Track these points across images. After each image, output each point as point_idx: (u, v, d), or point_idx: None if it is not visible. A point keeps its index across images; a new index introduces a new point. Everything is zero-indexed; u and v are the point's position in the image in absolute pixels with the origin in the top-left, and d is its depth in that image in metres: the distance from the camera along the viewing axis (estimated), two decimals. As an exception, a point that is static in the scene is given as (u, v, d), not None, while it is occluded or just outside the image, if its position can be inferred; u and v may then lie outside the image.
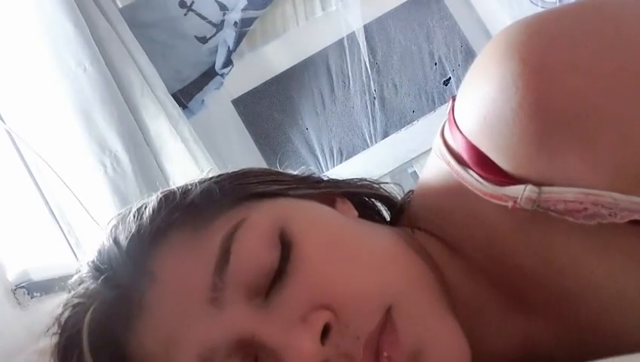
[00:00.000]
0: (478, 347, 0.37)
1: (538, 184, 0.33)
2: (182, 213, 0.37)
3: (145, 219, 0.38)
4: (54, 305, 0.41)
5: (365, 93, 1.51)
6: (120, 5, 1.40)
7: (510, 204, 0.34)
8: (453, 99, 0.39)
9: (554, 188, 0.33)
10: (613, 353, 0.33)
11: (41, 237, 0.91)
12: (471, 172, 0.36)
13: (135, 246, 0.37)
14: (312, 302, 0.34)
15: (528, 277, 0.36)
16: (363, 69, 1.51)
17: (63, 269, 0.78)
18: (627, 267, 0.33)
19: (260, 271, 0.35)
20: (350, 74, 1.52)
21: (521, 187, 0.34)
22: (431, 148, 0.42)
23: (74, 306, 0.39)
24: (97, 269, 0.38)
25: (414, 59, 1.52)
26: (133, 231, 0.38)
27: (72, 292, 0.40)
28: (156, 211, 0.38)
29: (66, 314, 0.39)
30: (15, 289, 0.70)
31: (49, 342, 0.40)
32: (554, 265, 0.35)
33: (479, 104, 0.35)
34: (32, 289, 0.71)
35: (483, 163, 0.36)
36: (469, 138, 0.36)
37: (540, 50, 0.32)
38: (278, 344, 0.33)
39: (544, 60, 0.32)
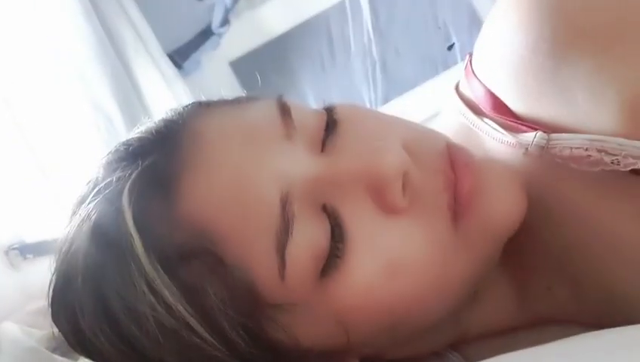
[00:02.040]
0: (476, 311, 0.38)
1: (550, 129, 0.34)
2: None
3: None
4: (47, 267, 0.37)
5: (366, 57, 1.47)
6: (113, -40, 1.34)
7: (522, 151, 0.34)
8: (470, 55, 0.40)
9: (562, 135, 0.33)
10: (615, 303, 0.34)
11: (34, 198, 0.89)
12: (487, 120, 0.37)
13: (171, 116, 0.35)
14: (375, 140, 0.33)
15: (531, 227, 0.36)
16: (365, 32, 1.47)
17: (56, 231, 0.77)
18: (628, 214, 0.33)
19: (317, 124, 0.33)
20: (352, 37, 1.48)
21: (532, 134, 0.34)
22: (433, 115, 0.42)
23: (104, 187, 0.31)
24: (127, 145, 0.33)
25: (418, 22, 1.48)
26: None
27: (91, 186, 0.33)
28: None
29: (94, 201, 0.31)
30: (8, 251, 0.69)
31: (42, 303, 0.37)
32: (556, 212, 0.35)
33: (497, 49, 0.36)
34: (25, 251, 0.70)
35: (499, 108, 0.36)
36: (486, 84, 0.37)
37: None
38: (358, 168, 0.31)
39: (558, 3, 0.32)
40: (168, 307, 0.29)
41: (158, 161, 0.31)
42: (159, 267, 0.29)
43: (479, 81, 0.38)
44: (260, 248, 0.29)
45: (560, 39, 0.32)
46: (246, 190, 0.30)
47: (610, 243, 0.34)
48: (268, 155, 0.31)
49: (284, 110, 0.33)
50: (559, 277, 0.37)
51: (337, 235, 0.30)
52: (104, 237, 0.30)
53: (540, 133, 0.34)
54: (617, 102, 0.31)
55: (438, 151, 0.35)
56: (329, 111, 0.35)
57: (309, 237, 0.30)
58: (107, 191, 0.31)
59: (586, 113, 0.33)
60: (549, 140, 0.33)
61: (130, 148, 0.33)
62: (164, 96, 1.23)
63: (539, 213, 0.35)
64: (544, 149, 0.34)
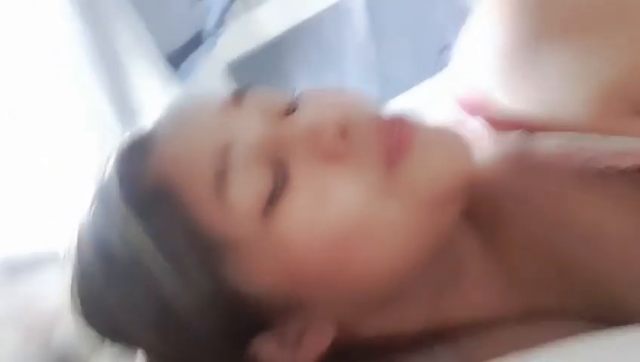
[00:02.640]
0: (465, 299, 0.39)
1: (531, 124, 0.35)
2: None
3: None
4: (35, 282, 0.42)
5: (361, 59, 1.48)
6: (109, -39, 1.34)
7: (505, 149, 0.37)
8: (444, 50, 0.41)
9: (541, 133, 0.35)
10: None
11: (24, 213, 0.89)
12: (473, 118, 0.39)
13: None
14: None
15: (515, 218, 0.38)
16: (359, 34, 1.48)
17: (45, 246, 0.77)
18: (609, 208, 0.35)
19: (275, 99, 0.39)
20: (346, 39, 1.48)
21: (513, 133, 0.36)
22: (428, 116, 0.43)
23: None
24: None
25: (413, 25, 1.48)
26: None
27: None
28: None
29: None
30: None
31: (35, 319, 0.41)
32: (539, 206, 0.37)
33: (483, 45, 0.38)
34: (14, 267, 0.70)
35: (485, 105, 0.37)
36: (474, 81, 0.38)
37: None
38: (303, 127, 0.37)
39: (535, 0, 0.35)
40: (137, 248, 0.36)
41: (141, 133, 0.39)
42: (132, 208, 0.36)
43: (465, 77, 0.40)
44: (203, 191, 0.35)
45: (538, 33, 0.34)
46: (193, 146, 0.36)
47: (592, 236, 0.36)
48: (214, 119, 0.37)
49: (239, 90, 0.40)
50: (547, 266, 0.38)
51: (280, 178, 0.35)
52: (99, 199, 0.39)
53: (521, 134, 0.36)
54: (586, 93, 0.33)
55: (379, 115, 0.38)
56: (293, 95, 0.39)
57: (248, 180, 0.35)
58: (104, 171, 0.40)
59: (563, 105, 0.34)
60: (530, 140, 0.35)
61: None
62: (161, 98, 1.24)
63: (522, 207, 0.37)
64: (526, 149, 0.35)
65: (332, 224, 0.34)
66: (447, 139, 0.37)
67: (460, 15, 0.39)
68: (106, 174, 0.38)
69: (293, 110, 0.38)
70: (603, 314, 0.37)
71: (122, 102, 1.15)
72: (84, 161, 0.99)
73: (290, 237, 0.35)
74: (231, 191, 0.35)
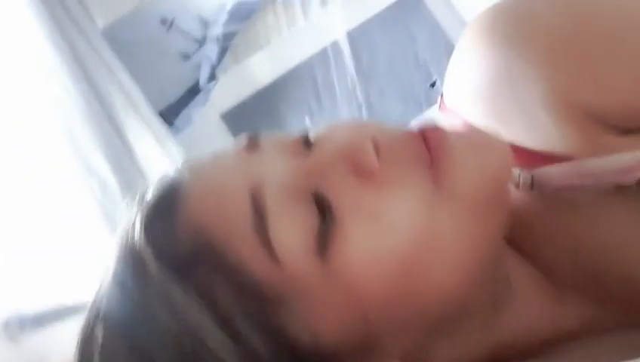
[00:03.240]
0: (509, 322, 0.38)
1: (526, 153, 0.35)
2: None
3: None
4: (46, 338, 0.38)
5: (352, 101, 1.50)
6: (101, 26, 1.39)
7: (513, 185, 0.36)
8: (432, 87, 0.42)
9: (542, 169, 0.35)
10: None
11: (31, 269, 0.89)
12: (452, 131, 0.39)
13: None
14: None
15: (554, 251, 0.38)
16: (349, 75, 1.51)
17: (53, 302, 0.77)
18: (624, 222, 0.35)
19: (289, 138, 0.36)
20: (336, 81, 1.52)
21: (516, 171, 0.36)
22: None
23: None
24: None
25: (399, 63, 1.52)
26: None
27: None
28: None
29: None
30: (6, 324, 0.69)
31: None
32: (568, 235, 0.37)
33: (466, 82, 0.38)
34: (23, 323, 0.70)
35: None
36: (463, 116, 0.38)
37: (501, 23, 0.36)
38: (333, 153, 0.34)
39: (506, 30, 0.36)
40: (184, 317, 0.31)
41: (163, 193, 0.35)
42: (171, 277, 0.31)
43: (454, 113, 0.39)
44: (245, 243, 0.31)
45: (516, 67, 0.35)
46: (222, 199, 0.33)
47: (615, 251, 0.36)
48: (235, 167, 0.34)
49: (252, 136, 0.36)
50: (585, 281, 0.38)
51: (323, 211, 0.32)
52: (123, 270, 0.33)
53: (522, 174, 0.36)
54: (561, 118, 0.34)
55: (405, 128, 0.36)
56: (307, 135, 0.37)
57: (290, 221, 0.31)
58: (122, 237, 0.35)
59: (546, 132, 0.35)
60: (533, 178, 0.35)
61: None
62: (157, 154, 1.25)
63: (548, 229, 0.37)
64: (532, 186, 0.36)
65: (397, 249, 0.31)
66: (482, 140, 0.35)
67: (444, 52, 0.41)
68: (134, 242, 0.33)
69: (310, 144, 0.36)
70: None
71: (118, 160, 1.16)
72: (83, 218, 1.00)
73: (356, 272, 0.31)
74: (275, 235, 0.31)
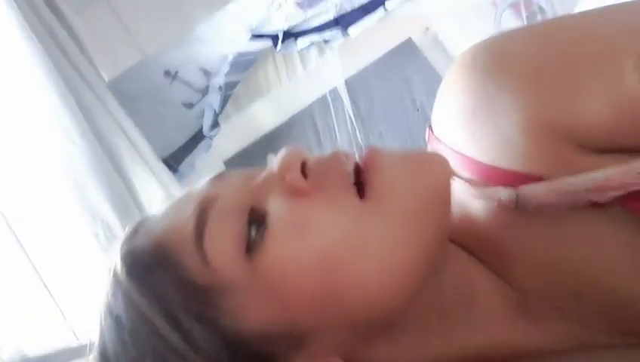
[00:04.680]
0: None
1: (509, 175, 0.38)
2: None
3: None
4: None
5: (353, 144, 1.53)
6: (106, 79, 1.43)
7: (495, 203, 0.39)
8: (430, 125, 0.45)
9: (525, 187, 0.37)
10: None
11: (35, 312, 0.89)
12: (458, 179, 0.41)
13: None
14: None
15: (532, 269, 0.39)
16: (348, 121, 1.54)
17: (58, 344, 0.76)
18: (603, 240, 0.37)
19: (252, 170, 0.42)
20: (336, 127, 1.55)
21: (501, 190, 0.38)
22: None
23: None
24: None
25: (397, 107, 1.55)
26: None
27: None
28: None
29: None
30: (10, 366, 0.68)
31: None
32: (547, 253, 0.38)
33: (451, 112, 0.41)
34: (28, 365, 0.69)
35: (467, 162, 0.40)
36: (449, 144, 0.41)
37: (480, 58, 0.39)
38: (268, 173, 0.39)
39: (484, 65, 0.39)
40: (138, 310, 0.37)
41: (142, 221, 0.42)
42: (132, 279, 0.38)
43: (444, 144, 0.42)
44: (186, 249, 0.37)
45: (494, 97, 0.38)
46: (178, 213, 0.40)
47: (593, 257, 0.37)
48: (196, 191, 0.41)
49: (223, 170, 0.44)
50: (560, 291, 0.39)
51: (255, 220, 0.37)
52: (110, 284, 0.40)
53: (509, 190, 0.38)
54: (532, 140, 0.37)
55: (337, 152, 0.41)
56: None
57: (223, 229, 0.37)
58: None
59: (527, 156, 0.37)
60: (517, 195, 0.37)
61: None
62: (162, 200, 1.26)
63: (524, 244, 0.39)
64: (516, 203, 0.37)
65: (315, 251, 0.36)
66: (416, 156, 0.39)
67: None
68: (114, 265, 0.41)
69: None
70: (624, 327, 0.37)
71: (123, 206, 1.17)
72: (87, 263, 1.00)
73: (278, 271, 0.36)
74: (207, 241, 0.37)
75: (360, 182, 0.38)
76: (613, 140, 0.36)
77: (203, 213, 0.38)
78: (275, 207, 0.38)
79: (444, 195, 0.38)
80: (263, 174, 0.40)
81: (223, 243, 0.37)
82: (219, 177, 0.42)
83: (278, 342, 0.37)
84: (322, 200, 0.37)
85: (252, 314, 0.37)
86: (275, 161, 0.40)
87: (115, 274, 0.40)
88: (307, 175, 0.38)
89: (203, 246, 0.37)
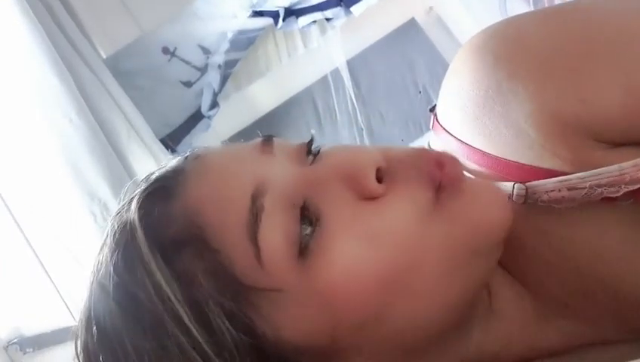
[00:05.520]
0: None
1: (517, 168, 0.36)
2: None
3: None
4: (47, 360, 0.38)
5: (353, 126, 1.52)
6: (104, 56, 1.41)
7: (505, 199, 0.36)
8: (431, 111, 0.43)
9: (535, 182, 0.35)
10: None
11: (32, 292, 0.89)
12: (464, 172, 0.39)
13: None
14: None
15: (532, 256, 0.38)
16: (349, 102, 1.53)
17: (55, 323, 0.76)
18: (613, 235, 0.36)
19: (298, 147, 0.38)
20: (337, 108, 1.53)
21: (510, 184, 0.36)
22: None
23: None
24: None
25: (399, 88, 1.53)
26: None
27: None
28: None
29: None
30: (7, 346, 0.68)
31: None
32: (557, 250, 0.37)
33: (458, 101, 0.39)
34: (25, 345, 0.69)
35: (473, 154, 0.38)
36: (454, 133, 0.39)
37: (491, 45, 0.37)
38: (335, 167, 0.35)
39: (495, 52, 0.37)
40: (159, 291, 0.32)
41: (165, 176, 0.37)
42: (157, 254, 0.33)
43: (448, 132, 0.40)
44: (235, 236, 0.33)
45: (505, 87, 0.36)
46: (226, 189, 0.34)
47: (604, 257, 0.36)
48: (246, 163, 0.36)
49: (267, 138, 0.38)
50: (573, 292, 0.38)
51: (308, 217, 0.33)
52: (117, 241, 0.35)
53: (517, 185, 0.36)
54: (545, 132, 0.35)
55: (420, 149, 0.38)
56: (311, 142, 0.39)
57: (278, 225, 0.33)
58: (121, 210, 0.37)
59: (539, 150, 0.36)
60: (527, 189, 0.36)
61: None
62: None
63: (536, 243, 0.38)
64: (526, 197, 0.36)
65: (381, 259, 0.32)
66: (493, 190, 0.36)
67: (442, 77, 0.41)
68: (128, 219, 0.35)
69: (312, 153, 0.38)
70: (635, 326, 0.36)
71: (121, 186, 1.16)
72: (84, 243, 1.00)
73: (333, 282, 0.32)
74: (263, 234, 0.32)
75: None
76: (629, 132, 0.34)
77: (258, 197, 0.33)
78: (336, 209, 0.34)
79: (502, 236, 0.36)
80: (323, 165, 0.35)
81: (279, 241, 0.32)
82: (268, 148, 0.36)
83: (311, 355, 0.34)
84: (394, 203, 0.34)
85: (294, 323, 0.33)
86: (341, 155, 0.36)
87: (131, 237, 0.33)
88: (383, 178, 0.35)
89: (258, 240, 0.32)
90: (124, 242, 0.34)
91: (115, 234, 0.35)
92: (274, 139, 0.38)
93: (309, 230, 0.33)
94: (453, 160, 0.36)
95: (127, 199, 0.37)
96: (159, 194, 0.35)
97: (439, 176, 0.35)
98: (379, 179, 0.34)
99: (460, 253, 0.34)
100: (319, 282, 0.32)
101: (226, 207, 0.33)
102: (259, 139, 0.38)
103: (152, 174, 0.38)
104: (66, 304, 0.92)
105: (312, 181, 0.35)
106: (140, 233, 0.33)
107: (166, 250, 0.33)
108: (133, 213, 0.34)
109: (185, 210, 0.34)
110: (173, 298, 0.32)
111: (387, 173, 0.35)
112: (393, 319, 0.33)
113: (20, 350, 0.69)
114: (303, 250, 0.32)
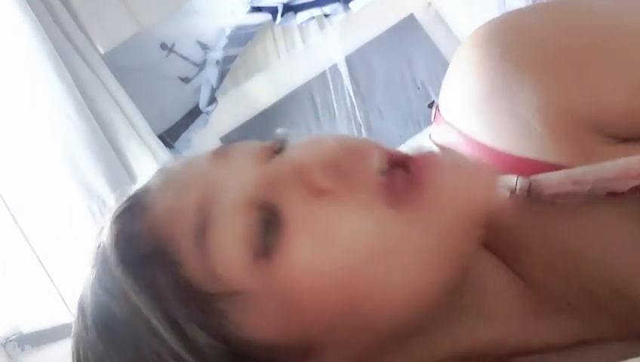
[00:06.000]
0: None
1: (521, 162, 0.36)
2: None
3: None
4: (45, 357, 0.39)
5: (351, 122, 1.52)
6: (102, 51, 1.40)
7: (508, 193, 0.36)
8: (430, 107, 0.43)
9: (539, 176, 0.35)
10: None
11: (30, 288, 0.89)
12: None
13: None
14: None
15: (532, 249, 0.38)
16: (347, 98, 1.53)
17: (53, 320, 0.76)
18: (617, 230, 0.35)
19: (258, 145, 0.37)
20: (335, 104, 1.53)
21: (513, 177, 0.36)
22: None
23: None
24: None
25: (397, 84, 1.53)
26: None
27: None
28: None
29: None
30: (5, 343, 0.68)
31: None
32: (560, 246, 0.37)
33: (463, 94, 0.38)
34: (23, 342, 0.69)
35: (476, 148, 0.38)
36: (456, 126, 0.39)
37: (497, 37, 0.37)
38: (288, 166, 0.34)
39: (502, 44, 0.37)
40: (132, 306, 0.33)
41: (134, 194, 0.38)
42: (128, 272, 0.34)
43: (450, 125, 0.40)
44: (187, 247, 0.33)
45: (512, 80, 0.36)
46: (177, 200, 0.35)
47: (606, 254, 0.36)
48: (198, 171, 0.36)
49: (223, 145, 0.38)
50: (572, 289, 0.38)
51: (268, 221, 0.33)
52: (94, 260, 0.36)
53: (521, 178, 0.36)
54: (552, 126, 0.35)
55: (376, 147, 0.36)
56: (277, 138, 0.38)
57: (229, 229, 0.33)
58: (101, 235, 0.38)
59: (545, 144, 0.35)
60: (531, 183, 0.35)
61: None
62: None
63: (538, 237, 0.37)
64: (529, 191, 0.36)
65: (341, 264, 0.32)
66: (467, 167, 0.35)
67: (441, 73, 0.41)
68: (102, 240, 0.36)
69: (280, 152, 0.37)
70: (636, 326, 0.36)
71: (119, 182, 1.16)
72: (82, 239, 1.00)
73: (295, 282, 0.32)
74: (211, 241, 0.32)
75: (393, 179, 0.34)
76: (635, 127, 0.34)
77: (206, 204, 0.33)
78: (294, 206, 0.33)
79: (482, 218, 0.35)
80: (279, 165, 0.35)
81: (231, 245, 0.32)
82: (224, 154, 0.36)
83: (286, 353, 0.34)
84: (348, 201, 0.33)
85: (261, 324, 0.33)
86: (293, 151, 0.35)
87: (104, 257, 0.35)
88: (336, 171, 0.34)
89: (205, 248, 0.32)
90: (99, 262, 0.36)
91: (93, 254, 0.37)
92: (233, 144, 0.38)
93: (268, 229, 0.32)
94: (425, 153, 0.35)
95: (106, 218, 0.38)
96: (128, 212, 0.36)
97: (390, 160, 0.34)
98: (334, 172, 0.33)
99: (435, 243, 0.33)
100: (280, 282, 0.32)
101: (178, 218, 0.34)
102: (215, 147, 0.38)
103: (129, 192, 0.39)
104: (64, 301, 0.92)
105: (269, 179, 0.34)
106: (110, 253, 0.35)
107: (134, 266, 0.34)
108: (106, 234, 0.36)
109: (149, 225, 0.34)
110: (145, 312, 0.33)
111: (339, 165, 0.34)
112: (364, 313, 0.33)
113: (18, 347, 0.70)
114: (263, 250, 0.32)
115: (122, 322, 0.34)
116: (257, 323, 0.33)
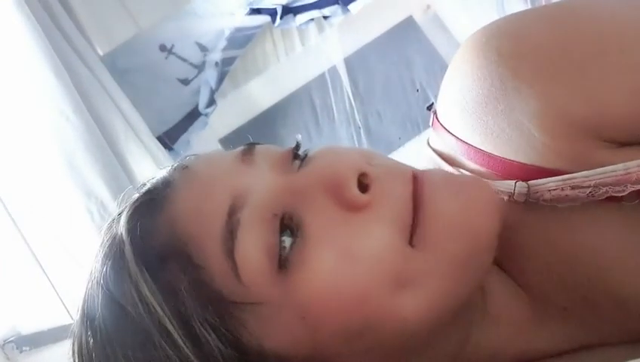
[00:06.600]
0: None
1: (519, 167, 0.36)
2: None
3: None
4: (44, 358, 0.38)
5: (350, 124, 1.52)
6: (101, 53, 1.40)
7: (505, 198, 0.36)
8: (429, 109, 0.43)
9: (538, 180, 0.35)
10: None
11: (29, 290, 0.89)
12: (464, 171, 0.39)
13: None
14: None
15: (531, 256, 0.38)
16: (346, 100, 1.53)
17: (51, 322, 0.76)
18: (615, 234, 0.35)
19: (282, 153, 0.37)
20: (334, 106, 1.53)
21: (511, 182, 0.36)
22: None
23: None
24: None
25: (396, 87, 1.54)
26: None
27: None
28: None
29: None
30: (4, 345, 0.68)
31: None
32: (558, 251, 0.37)
33: (460, 99, 0.38)
34: (21, 344, 0.69)
35: (473, 154, 0.38)
36: (454, 132, 0.39)
37: (494, 42, 0.37)
38: (316, 176, 0.34)
39: (499, 49, 0.36)
40: (146, 305, 0.33)
41: (153, 189, 0.37)
42: (143, 269, 0.33)
43: (448, 131, 0.40)
44: (213, 252, 0.33)
45: (509, 85, 0.35)
46: (205, 202, 0.34)
47: (605, 261, 0.36)
48: (226, 175, 0.35)
49: (248, 147, 0.38)
50: (572, 295, 0.38)
51: (292, 230, 0.33)
52: (106, 253, 0.36)
53: (519, 183, 0.36)
54: (551, 133, 0.35)
55: (402, 170, 0.36)
56: (298, 147, 0.38)
57: (256, 238, 0.33)
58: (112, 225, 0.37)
59: (543, 150, 0.35)
60: (529, 187, 0.35)
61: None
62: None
63: (536, 243, 0.37)
64: (527, 196, 0.36)
65: (362, 282, 0.32)
66: (470, 195, 0.35)
67: (440, 75, 0.41)
68: (117, 232, 0.35)
69: (299, 158, 0.37)
70: (634, 333, 0.36)
71: (118, 184, 1.16)
72: (81, 241, 0.99)
73: (314, 297, 0.32)
74: (239, 249, 0.32)
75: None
76: (634, 132, 0.34)
77: (235, 211, 0.33)
78: (320, 217, 0.33)
79: (493, 241, 0.35)
80: (307, 176, 0.35)
81: (256, 255, 0.32)
82: (248, 158, 0.36)
83: None
84: (376, 218, 0.33)
85: (277, 334, 0.33)
86: (325, 162, 0.35)
87: (119, 249, 0.34)
88: (368, 186, 0.34)
89: (234, 256, 0.32)
90: (113, 255, 0.35)
91: (105, 246, 0.36)
92: (256, 147, 0.38)
93: (289, 241, 0.33)
94: (426, 175, 0.35)
95: (120, 208, 0.37)
96: (147, 206, 0.35)
97: (411, 205, 0.34)
98: (365, 187, 0.34)
99: (447, 270, 0.34)
100: (298, 294, 0.32)
101: (205, 221, 0.33)
102: (240, 148, 0.38)
103: (144, 185, 0.38)
104: (62, 302, 0.92)
105: (294, 190, 0.34)
106: (127, 247, 0.34)
107: (152, 263, 0.33)
108: (122, 226, 0.35)
109: (170, 223, 0.34)
110: (159, 311, 0.32)
111: (374, 180, 0.34)
112: (378, 331, 0.33)
113: (17, 348, 0.69)
114: (283, 262, 0.32)
115: (132, 319, 0.33)
116: (272, 334, 0.33)
